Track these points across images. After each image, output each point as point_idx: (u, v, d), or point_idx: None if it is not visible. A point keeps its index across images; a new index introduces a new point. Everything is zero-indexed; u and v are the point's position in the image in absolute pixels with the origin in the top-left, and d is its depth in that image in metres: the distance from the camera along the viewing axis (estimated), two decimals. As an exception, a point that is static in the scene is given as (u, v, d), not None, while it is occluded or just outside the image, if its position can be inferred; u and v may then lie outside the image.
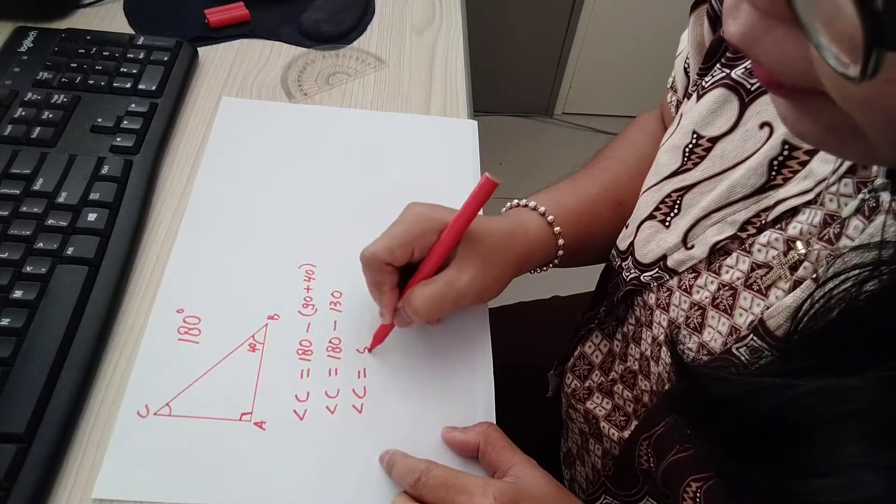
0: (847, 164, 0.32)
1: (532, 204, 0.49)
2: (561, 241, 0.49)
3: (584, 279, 0.73)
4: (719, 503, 0.33)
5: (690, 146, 0.42)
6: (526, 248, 0.47)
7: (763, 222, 0.37)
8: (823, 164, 0.34)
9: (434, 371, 0.47)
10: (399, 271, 0.44)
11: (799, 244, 0.34)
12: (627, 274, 0.46)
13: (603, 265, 0.55)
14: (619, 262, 0.48)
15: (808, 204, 0.35)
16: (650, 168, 0.47)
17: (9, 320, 0.43)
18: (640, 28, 1.68)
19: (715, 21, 0.44)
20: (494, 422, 0.45)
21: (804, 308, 0.29)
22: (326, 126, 0.61)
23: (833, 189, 0.33)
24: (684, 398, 0.34)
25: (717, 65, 0.41)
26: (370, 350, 0.47)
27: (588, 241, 0.52)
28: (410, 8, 0.74)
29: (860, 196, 0.31)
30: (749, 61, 0.38)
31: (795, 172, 0.36)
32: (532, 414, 0.60)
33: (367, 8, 0.73)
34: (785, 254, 0.35)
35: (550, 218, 0.48)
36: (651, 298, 0.44)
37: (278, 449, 0.42)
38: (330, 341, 0.47)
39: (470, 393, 0.46)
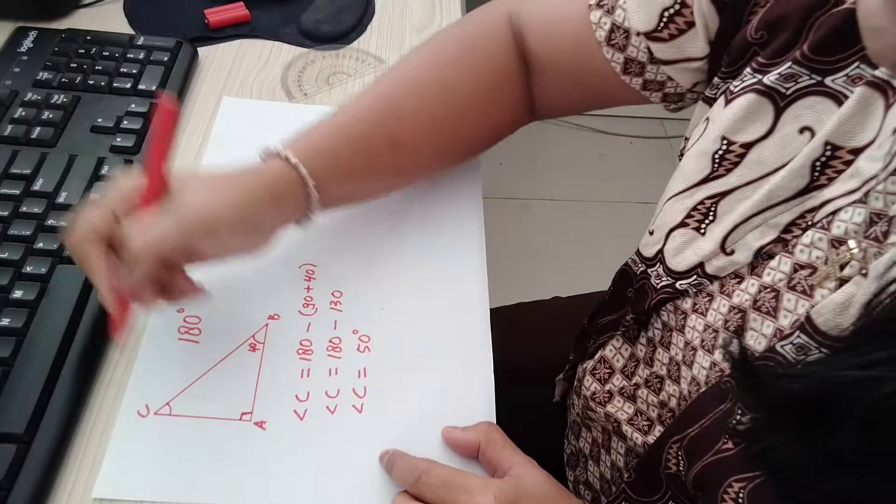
0: None
1: (275, 150, 0.45)
2: (312, 183, 0.44)
3: (584, 279, 0.74)
4: (766, 503, 0.33)
5: (721, 152, 0.41)
6: (259, 183, 0.43)
7: (808, 223, 0.36)
8: (871, 163, 0.34)
9: (434, 371, 0.47)
10: (105, 246, 0.39)
11: (851, 242, 0.33)
12: (658, 282, 0.45)
13: (615, 271, 0.54)
14: (642, 269, 0.47)
15: (850, 203, 0.34)
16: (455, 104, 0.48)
17: (9, 320, 0.43)
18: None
19: (723, 8, 0.42)
20: (494, 421, 0.45)
21: (877, 300, 0.29)
22: (326, 126, 0.60)
23: (880, 188, 0.32)
24: (754, 392, 0.33)
25: (748, 69, 0.40)
26: (117, 340, 0.40)
27: (356, 181, 0.49)
28: (410, 8, 0.74)
29: None
30: (786, 66, 0.37)
31: (839, 172, 0.35)
32: (532, 414, 0.60)
33: (367, 8, 0.73)
34: (837, 251, 0.34)
35: (294, 160, 0.44)
36: (686, 304, 0.43)
37: (278, 449, 0.42)
38: (330, 341, 0.47)
39: (470, 393, 0.46)
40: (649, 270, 0.46)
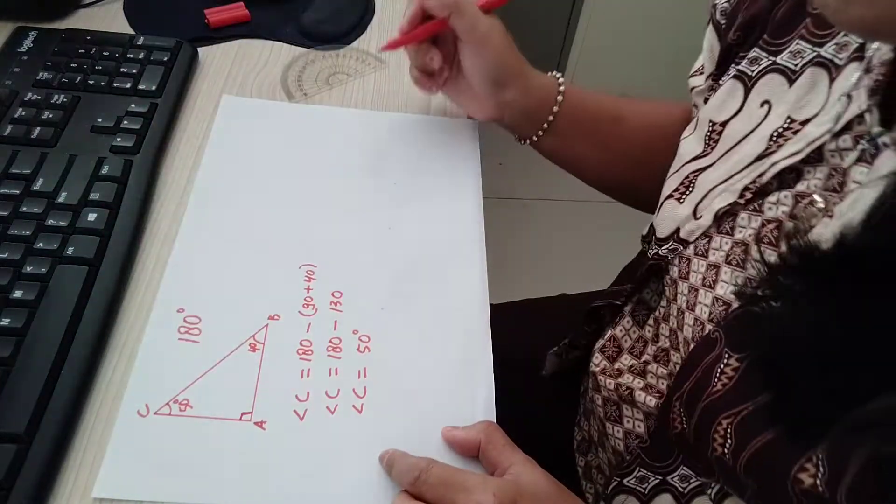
0: (844, 120, 0.35)
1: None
2: (561, 88, 0.56)
3: (593, 277, 0.74)
4: (753, 433, 0.33)
5: (709, 133, 0.46)
6: (532, 74, 0.57)
7: (758, 187, 0.40)
8: (816, 128, 0.37)
9: (434, 371, 0.47)
10: None
11: (816, 196, 0.36)
12: (651, 252, 0.49)
13: (615, 270, 0.56)
14: (645, 247, 0.51)
15: (811, 163, 0.38)
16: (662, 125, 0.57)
17: (9, 320, 0.43)
18: (640, 30, 1.68)
19: (720, 30, 0.49)
20: (495, 420, 0.45)
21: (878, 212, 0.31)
22: (326, 126, 0.60)
23: (832, 146, 0.36)
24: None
25: (731, 65, 0.46)
26: (383, 49, 0.56)
27: (585, 123, 0.59)
28: (410, 8, 0.74)
29: (860, 147, 0.34)
30: (752, 52, 0.43)
31: (787, 140, 0.39)
32: (537, 410, 0.60)
33: (367, 8, 0.73)
34: (804, 206, 0.37)
35: (559, 76, 0.57)
36: (675, 272, 0.45)
37: (278, 449, 0.42)
38: (330, 341, 0.47)
39: (470, 392, 0.46)
40: (648, 245, 0.50)
